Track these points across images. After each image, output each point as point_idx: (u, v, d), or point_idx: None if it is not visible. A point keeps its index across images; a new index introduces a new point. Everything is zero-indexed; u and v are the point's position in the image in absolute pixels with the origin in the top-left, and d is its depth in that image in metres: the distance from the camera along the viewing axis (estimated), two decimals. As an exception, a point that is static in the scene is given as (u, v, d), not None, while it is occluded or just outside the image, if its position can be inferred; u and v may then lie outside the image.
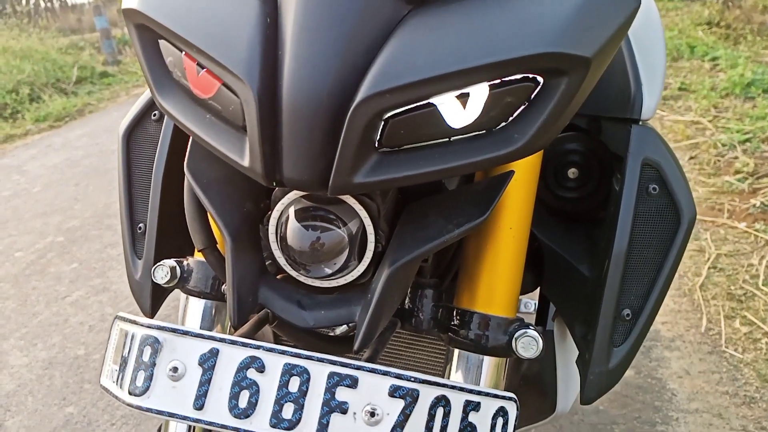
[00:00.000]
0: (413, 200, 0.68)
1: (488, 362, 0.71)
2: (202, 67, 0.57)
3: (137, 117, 0.87)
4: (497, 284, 0.71)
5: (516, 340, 0.68)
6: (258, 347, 0.60)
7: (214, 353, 0.60)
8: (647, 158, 0.76)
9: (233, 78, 0.54)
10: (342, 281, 0.65)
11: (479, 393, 0.61)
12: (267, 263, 0.68)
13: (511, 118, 0.54)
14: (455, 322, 0.72)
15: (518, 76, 0.52)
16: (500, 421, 0.62)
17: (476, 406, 0.60)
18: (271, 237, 0.65)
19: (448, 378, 0.72)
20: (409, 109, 0.52)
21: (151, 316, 0.85)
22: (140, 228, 0.86)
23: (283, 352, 0.59)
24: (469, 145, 0.54)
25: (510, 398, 0.62)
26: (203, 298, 0.77)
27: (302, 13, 0.52)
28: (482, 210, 0.60)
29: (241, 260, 0.62)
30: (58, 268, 3.15)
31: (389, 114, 0.52)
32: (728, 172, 3.52)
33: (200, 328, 0.77)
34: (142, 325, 0.62)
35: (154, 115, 0.86)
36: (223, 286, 0.73)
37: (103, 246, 3.35)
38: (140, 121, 0.87)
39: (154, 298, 0.86)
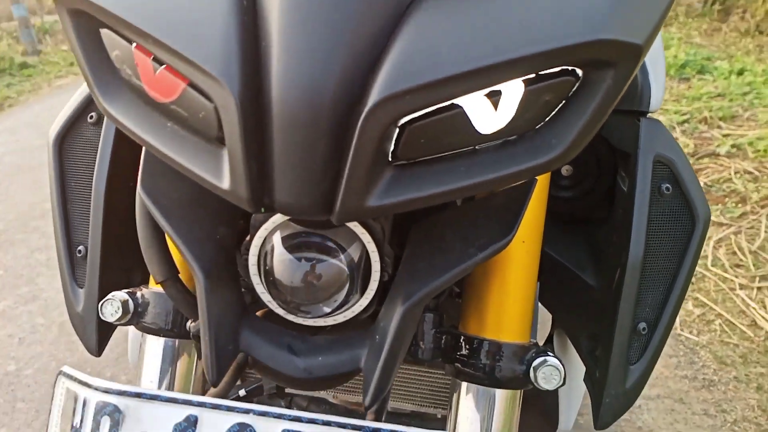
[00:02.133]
0: (421, 217, 0.58)
1: (501, 395, 0.63)
2: (160, 64, 0.45)
3: (70, 119, 0.73)
4: (509, 306, 0.63)
5: (535, 369, 0.60)
6: (247, 411, 0.49)
7: (191, 422, 0.49)
8: (659, 155, 0.69)
9: (205, 77, 0.42)
10: (341, 318, 0.55)
11: None
12: (246, 299, 0.57)
13: (547, 120, 0.45)
14: (462, 352, 0.63)
15: (557, 70, 0.43)
16: None
17: None
18: (252, 269, 0.55)
19: (455, 414, 0.63)
20: (430, 112, 0.42)
21: (98, 355, 0.73)
22: (80, 251, 0.73)
23: (279, 416, 0.49)
24: (500, 154, 0.45)
25: None
26: (163, 336, 0.66)
27: None
28: (507, 228, 0.52)
29: (216, 301, 0.51)
30: (-19, 277, 2.91)
31: (406, 120, 0.42)
32: (668, 155, 3.58)
33: (159, 371, 0.66)
34: (96, 389, 0.51)
35: (91, 117, 0.73)
36: (188, 323, 0.62)
37: (30, 251, 3.12)
38: (74, 124, 0.73)
39: (100, 334, 0.74)
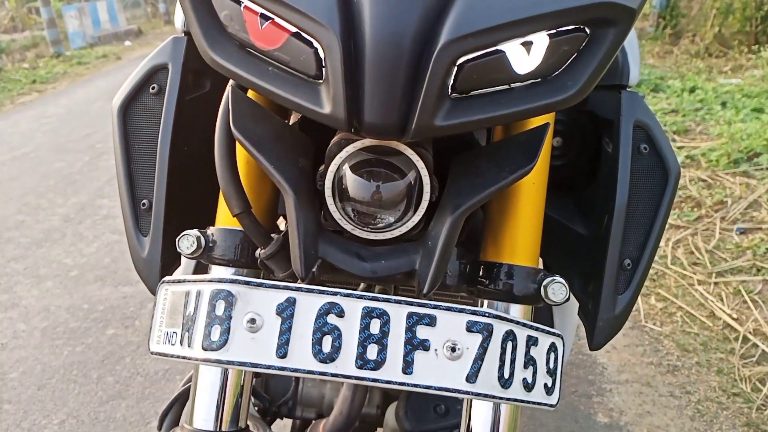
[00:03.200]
0: (460, 151, 0.70)
1: (516, 311, 0.74)
2: (266, 19, 0.57)
3: (133, 91, 0.83)
4: (521, 236, 0.74)
5: (545, 287, 0.71)
6: (335, 293, 0.60)
7: (291, 302, 0.59)
8: (638, 120, 0.82)
9: (313, 24, 0.54)
10: (397, 233, 0.66)
11: (537, 329, 0.64)
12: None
13: (564, 66, 0.58)
14: (483, 275, 0.74)
15: (571, 27, 0.56)
16: (552, 355, 0.65)
17: (536, 341, 0.64)
18: (328, 192, 0.65)
19: None
20: (480, 55, 0.55)
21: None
22: (143, 204, 0.82)
23: (360, 297, 0.60)
24: (529, 91, 0.58)
25: (559, 335, 0.66)
26: (232, 266, 0.75)
27: None
28: (530, 158, 0.63)
29: (302, 214, 0.62)
30: (-43, 286, 2.90)
31: (463, 60, 0.54)
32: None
33: None
34: (212, 281, 0.61)
35: (153, 88, 0.83)
36: (258, 251, 0.71)
37: (6, 260, 3.11)
38: (137, 94, 0.83)
39: (162, 275, 0.83)
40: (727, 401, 1.96)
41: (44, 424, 2.00)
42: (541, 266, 0.78)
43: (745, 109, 4.30)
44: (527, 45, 0.56)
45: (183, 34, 0.84)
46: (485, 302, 0.74)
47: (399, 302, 0.60)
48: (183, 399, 0.91)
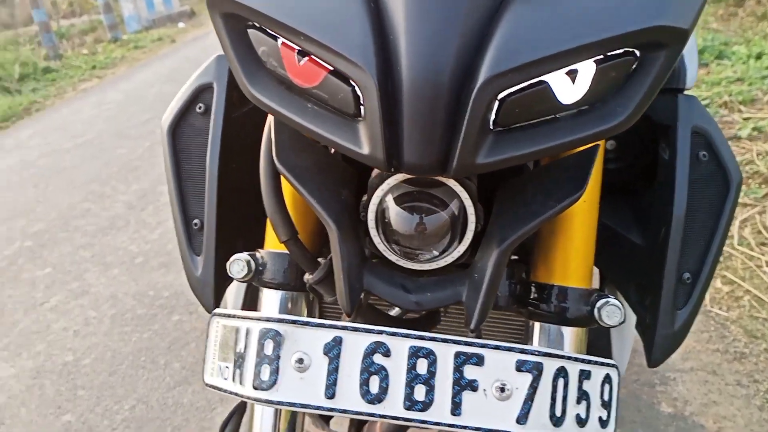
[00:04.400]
0: (506, 179, 0.68)
1: (570, 333, 0.72)
2: (303, 56, 0.56)
3: (181, 110, 0.84)
4: (573, 256, 0.73)
5: (599, 309, 0.69)
6: (380, 332, 0.60)
7: (338, 342, 0.60)
8: (696, 126, 0.78)
9: (349, 65, 0.53)
10: (442, 263, 0.66)
11: (590, 362, 0.63)
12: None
13: (613, 93, 0.55)
14: (534, 296, 0.73)
15: (620, 51, 0.53)
16: (607, 387, 0.64)
17: (588, 375, 0.62)
18: (371, 223, 0.65)
19: None
20: (523, 87, 0.53)
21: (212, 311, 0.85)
22: (195, 224, 0.83)
23: (406, 336, 0.60)
24: (576, 120, 0.55)
25: (613, 365, 0.64)
26: (281, 290, 0.76)
27: None
28: (578, 184, 0.61)
29: (346, 248, 0.62)
30: (32, 274, 3.04)
31: (505, 93, 0.53)
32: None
33: None
34: (260, 320, 0.62)
35: (200, 107, 0.84)
36: (306, 276, 0.72)
37: (75, 248, 3.25)
38: (184, 114, 0.84)
39: (216, 294, 0.85)
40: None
41: (116, 409, 2.09)
42: (596, 284, 0.77)
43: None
44: (572, 74, 0.53)
45: None
46: (536, 324, 0.73)
47: (446, 341, 0.60)
48: (242, 409, 0.94)
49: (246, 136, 0.83)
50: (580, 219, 0.73)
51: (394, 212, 0.63)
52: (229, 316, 0.66)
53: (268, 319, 0.61)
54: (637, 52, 0.54)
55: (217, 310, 0.69)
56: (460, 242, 0.65)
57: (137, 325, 2.54)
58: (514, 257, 0.77)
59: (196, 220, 0.83)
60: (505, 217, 0.63)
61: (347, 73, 0.54)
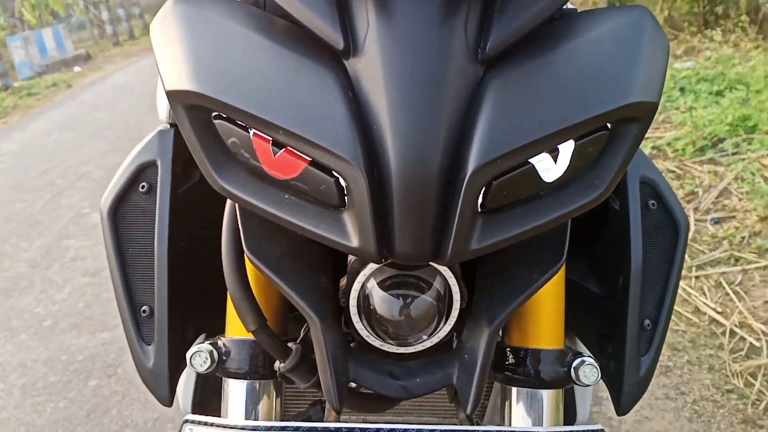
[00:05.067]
0: (480, 256, 0.68)
1: (547, 395, 0.72)
2: (279, 147, 0.53)
3: (122, 191, 0.78)
4: (546, 319, 0.73)
5: (576, 370, 0.69)
6: (363, 431, 0.57)
7: None
8: (644, 176, 0.81)
9: (333, 158, 0.50)
10: (428, 344, 0.64)
11: None
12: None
13: (590, 166, 0.57)
14: (510, 361, 0.73)
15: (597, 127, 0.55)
16: None
17: None
18: (353, 309, 0.62)
19: (509, 415, 0.72)
20: (508, 170, 0.53)
21: (170, 405, 0.78)
22: (144, 311, 0.77)
23: None
24: (558, 196, 0.56)
25: (600, 430, 0.64)
26: (249, 379, 0.72)
27: (390, 83, 0.51)
28: (558, 253, 0.62)
29: (330, 340, 0.59)
30: None
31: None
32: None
33: (245, 411, 0.71)
34: (234, 428, 0.57)
35: (143, 186, 0.77)
36: (277, 364, 0.68)
37: None
38: (125, 194, 0.78)
39: (171, 385, 0.79)
40: (721, 399, 1.97)
41: (33, 491, 1.92)
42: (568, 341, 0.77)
43: (704, 94, 4.37)
44: (554, 152, 0.54)
45: (168, 126, 0.79)
46: (513, 389, 0.72)
47: None
48: None
49: (192, 212, 0.79)
50: (550, 281, 0.73)
51: (378, 298, 0.61)
52: (203, 423, 0.61)
53: (243, 428, 0.56)
54: (610, 126, 0.55)
55: (189, 417, 0.64)
56: (445, 322, 0.64)
57: (51, 393, 2.36)
58: None
59: (144, 307, 0.77)
60: (491, 294, 0.63)
61: (331, 166, 0.51)
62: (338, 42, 0.53)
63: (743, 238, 2.71)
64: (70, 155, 5.56)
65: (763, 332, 2.17)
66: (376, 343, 0.64)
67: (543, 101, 0.52)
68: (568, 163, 0.54)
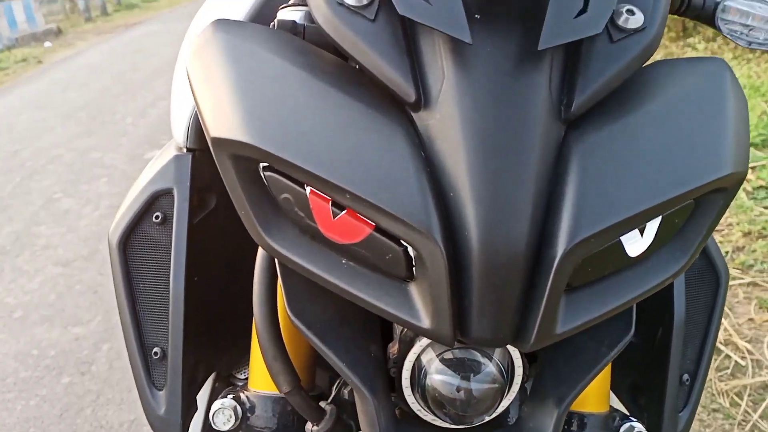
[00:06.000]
0: None
1: None
2: (340, 209, 0.47)
3: (133, 221, 0.71)
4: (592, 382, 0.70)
5: None
6: None
7: None
8: None
9: (405, 228, 0.45)
10: (486, 418, 0.59)
11: None
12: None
13: (673, 237, 0.53)
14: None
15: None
16: None
17: None
18: (405, 382, 0.58)
19: None
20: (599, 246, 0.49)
21: None
22: (155, 353, 0.71)
23: None
24: (640, 270, 0.53)
25: None
26: None
27: (469, 143, 0.46)
28: (626, 324, 0.59)
29: (383, 416, 0.54)
30: None
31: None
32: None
33: None
34: None
35: (156, 216, 0.71)
36: (309, 426, 0.63)
37: None
38: (137, 225, 0.71)
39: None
40: (708, 418, 1.98)
41: (2, 496, 1.85)
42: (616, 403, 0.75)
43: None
44: (641, 228, 0.50)
45: (185, 150, 0.73)
46: None
47: None
48: None
49: (209, 243, 0.73)
50: None
51: (435, 373, 0.56)
52: None
53: None
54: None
55: None
56: (505, 397, 0.59)
57: (21, 390, 2.28)
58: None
59: (156, 349, 0.71)
60: (555, 369, 0.59)
61: (400, 236, 0.46)
62: (409, 93, 0.48)
63: (726, 253, 2.73)
64: (42, 136, 5.38)
65: (748, 350, 2.18)
66: (429, 417, 0.59)
67: (632, 173, 0.48)
68: (653, 236, 0.51)
